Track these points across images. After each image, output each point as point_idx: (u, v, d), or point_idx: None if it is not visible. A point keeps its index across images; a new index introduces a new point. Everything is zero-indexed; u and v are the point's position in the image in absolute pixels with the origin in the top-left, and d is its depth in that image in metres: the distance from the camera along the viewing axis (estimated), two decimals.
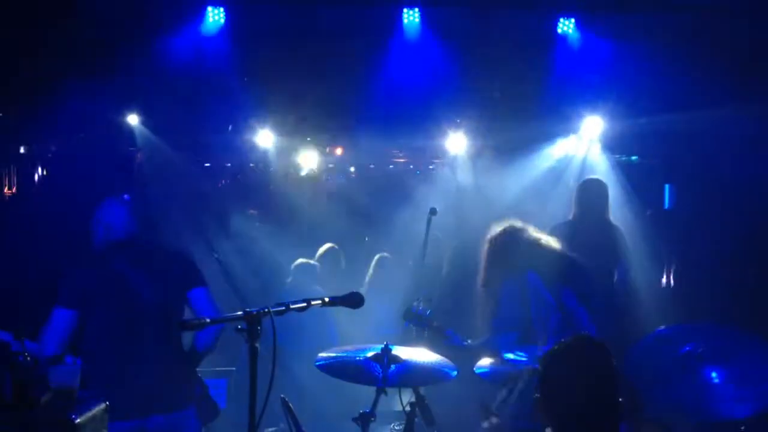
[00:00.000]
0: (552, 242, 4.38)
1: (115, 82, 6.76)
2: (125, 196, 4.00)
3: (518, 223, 4.41)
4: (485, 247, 4.38)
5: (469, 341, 4.29)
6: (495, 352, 4.11)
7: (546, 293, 4.13)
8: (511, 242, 4.31)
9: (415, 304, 4.41)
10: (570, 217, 5.77)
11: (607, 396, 2.27)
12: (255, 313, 2.57)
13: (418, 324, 4.35)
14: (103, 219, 3.84)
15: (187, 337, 3.91)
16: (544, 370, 2.37)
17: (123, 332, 3.66)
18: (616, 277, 5.65)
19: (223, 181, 9.05)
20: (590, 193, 5.70)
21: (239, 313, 2.57)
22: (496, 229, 4.41)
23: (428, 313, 4.38)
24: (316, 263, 6.98)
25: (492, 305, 4.24)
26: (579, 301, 4.16)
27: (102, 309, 3.67)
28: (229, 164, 8.81)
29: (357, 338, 5.14)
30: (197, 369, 4.05)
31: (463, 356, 4.39)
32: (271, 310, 2.62)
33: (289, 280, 6.91)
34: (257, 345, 2.55)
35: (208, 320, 2.58)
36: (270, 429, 6.50)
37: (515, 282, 4.19)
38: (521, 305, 4.15)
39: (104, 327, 3.68)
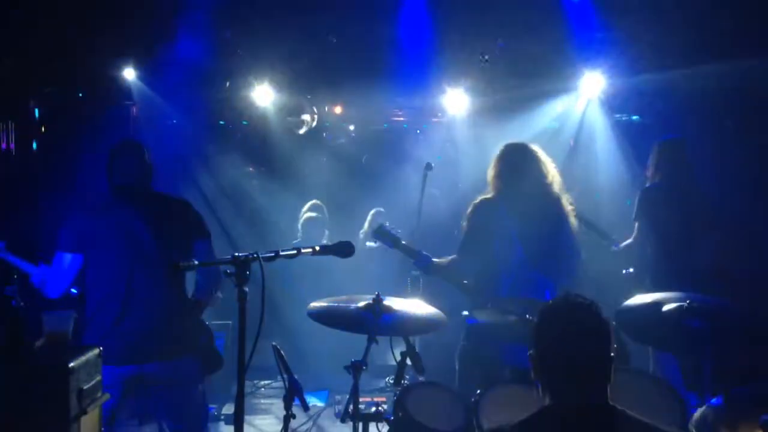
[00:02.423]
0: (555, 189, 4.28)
1: (112, 36, 6.70)
2: (136, 140, 3.95)
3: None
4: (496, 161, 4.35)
5: (435, 260, 4.38)
6: (458, 275, 4.34)
7: (510, 227, 4.15)
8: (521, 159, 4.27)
9: (386, 223, 4.63)
10: (655, 180, 5.40)
11: (598, 351, 2.33)
12: (243, 257, 2.59)
13: (387, 241, 4.47)
14: (114, 162, 3.84)
15: (190, 286, 3.96)
16: (537, 325, 2.42)
17: (124, 278, 3.69)
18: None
19: (222, 140, 9.02)
20: (678, 153, 5.33)
21: (227, 257, 2.60)
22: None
23: (398, 232, 4.56)
24: (319, 215, 7.15)
25: (464, 227, 4.31)
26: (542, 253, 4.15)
27: (103, 253, 3.71)
28: (223, 122, 8.76)
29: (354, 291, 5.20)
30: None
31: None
32: (260, 255, 2.65)
33: (299, 235, 7.04)
34: (246, 289, 2.58)
35: (196, 262, 2.61)
36: (265, 381, 6.64)
37: (487, 209, 4.24)
38: (487, 233, 4.18)
39: (105, 272, 3.71)
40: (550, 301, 2.47)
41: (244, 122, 8.65)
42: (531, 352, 2.40)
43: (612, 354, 2.36)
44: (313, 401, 6.16)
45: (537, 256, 4.14)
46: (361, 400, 3.36)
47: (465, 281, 4.42)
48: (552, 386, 2.36)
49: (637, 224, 5.37)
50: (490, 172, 4.35)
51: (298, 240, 7.05)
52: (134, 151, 3.89)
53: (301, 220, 7.24)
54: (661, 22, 6.23)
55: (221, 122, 8.70)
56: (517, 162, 4.26)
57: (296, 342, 6.24)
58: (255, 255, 2.62)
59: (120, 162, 3.85)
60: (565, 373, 2.33)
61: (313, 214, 7.23)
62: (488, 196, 4.32)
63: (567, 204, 4.31)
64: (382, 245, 4.60)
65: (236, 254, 2.59)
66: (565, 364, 2.33)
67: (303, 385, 3.17)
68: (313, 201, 7.53)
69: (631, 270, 5.37)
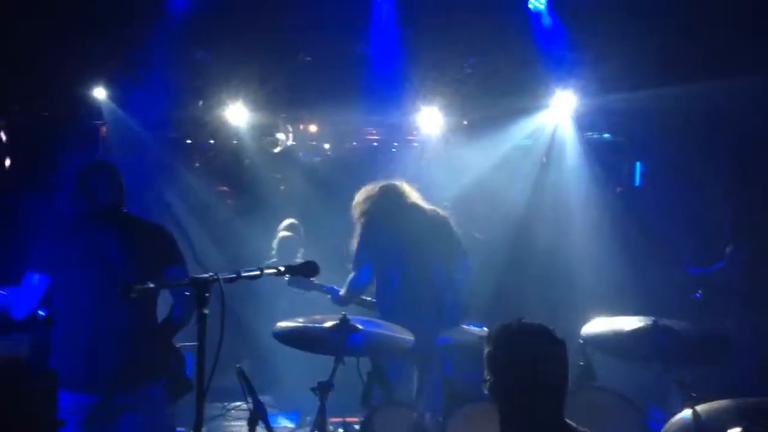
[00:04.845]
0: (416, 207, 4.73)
1: (82, 55, 6.65)
2: (108, 160, 3.88)
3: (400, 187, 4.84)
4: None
5: (342, 292, 4.79)
6: (358, 292, 4.78)
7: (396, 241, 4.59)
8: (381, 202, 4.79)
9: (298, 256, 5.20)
10: None
11: (554, 374, 2.37)
12: (203, 279, 2.54)
13: (302, 286, 4.96)
14: (86, 183, 3.73)
15: (163, 311, 3.87)
16: (492, 352, 2.44)
17: (93, 303, 3.59)
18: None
19: (195, 160, 8.96)
20: None
21: (186, 279, 2.55)
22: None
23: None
24: (294, 235, 7.13)
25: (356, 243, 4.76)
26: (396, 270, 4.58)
27: (74, 277, 3.61)
28: (196, 141, 8.71)
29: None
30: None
31: None
32: (220, 277, 2.60)
33: (273, 253, 6.99)
34: (205, 311, 2.53)
35: (151, 285, 2.55)
36: (235, 403, 6.55)
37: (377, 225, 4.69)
38: (377, 249, 4.63)
39: (74, 296, 3.62)
40: (502, 327, 2.47)
41: (218, 142, 8.61)
42: (488, 378, 2.41)
43: (567, 374, 2.38)
44: (284, 422, 6.06)
45: (421, 267, 4.55)
46: (332, 420, 3.33)
47: (370, 299, 4.84)
48: (511, 409, 2.38)
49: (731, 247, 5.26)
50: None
51: (273, 259, 7.00)
52: (107, 172, 3.78)
53: (276, 239, 7.21)
54: (630, 43, 6.31)
55: (194, 142, 8.64)
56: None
57: (269, 362, 6.16)
58: (215, 276, 2.57)
59: (93, 183, 3.73)
60: (522, 397, 2.36)
61: (288, 234, 7.20)
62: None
63: (444, 214, 4.79)
64: None
65: (194, 276, 2.54)
66: (521, 388, 2.36)
67: (275, 406, 3.13)
68: (290, 220, 7.49)
69: (699, 293, 5.25)
